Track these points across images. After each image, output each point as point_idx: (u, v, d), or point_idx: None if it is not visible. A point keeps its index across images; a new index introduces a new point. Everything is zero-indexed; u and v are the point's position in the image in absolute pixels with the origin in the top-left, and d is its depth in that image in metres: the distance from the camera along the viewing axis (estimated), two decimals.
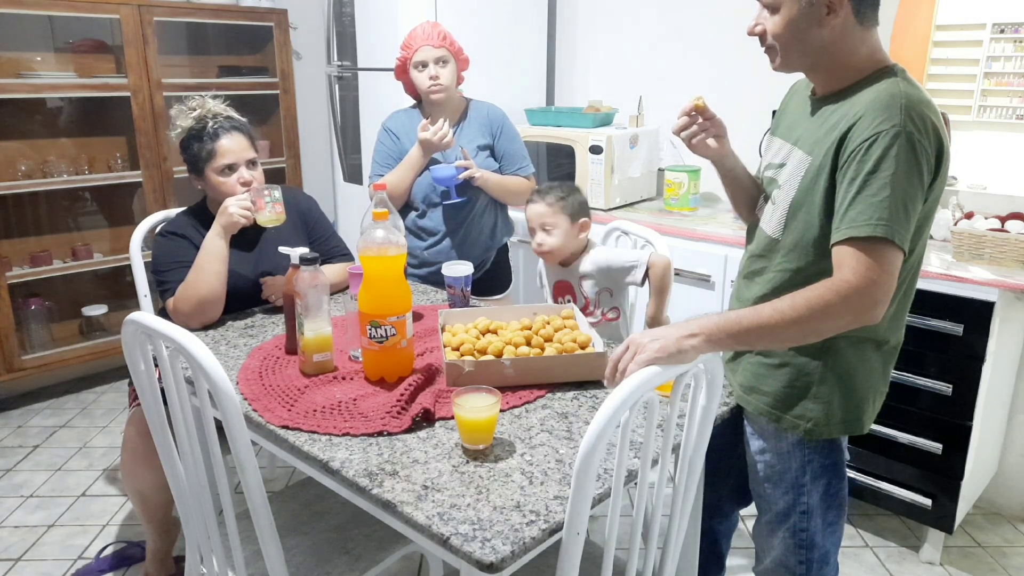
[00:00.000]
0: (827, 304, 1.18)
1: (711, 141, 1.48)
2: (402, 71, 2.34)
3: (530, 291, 3.10)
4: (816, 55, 1.29)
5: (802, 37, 1.27)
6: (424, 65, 2.25)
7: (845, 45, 1.27)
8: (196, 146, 1.92)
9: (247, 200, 1.88)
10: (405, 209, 2.38)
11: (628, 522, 1.29)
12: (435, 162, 2.30)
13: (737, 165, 1.54)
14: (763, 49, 1.35)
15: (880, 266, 1.17)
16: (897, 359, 1.42)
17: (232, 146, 1.92)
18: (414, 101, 2.45)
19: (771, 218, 1.39)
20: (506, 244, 2.54)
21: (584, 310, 2.06)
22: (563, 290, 2.14)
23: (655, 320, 1.98)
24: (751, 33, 1.34)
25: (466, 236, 2.37)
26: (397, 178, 2.29)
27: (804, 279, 1.29)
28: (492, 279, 2.49)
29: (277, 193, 1.91)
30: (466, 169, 2.25)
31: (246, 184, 1.93)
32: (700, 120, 1.47)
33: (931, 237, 1.35)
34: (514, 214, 2.67)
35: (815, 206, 1.29)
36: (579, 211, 2.03)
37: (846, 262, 1.19)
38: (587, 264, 2.04)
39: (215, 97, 2.00)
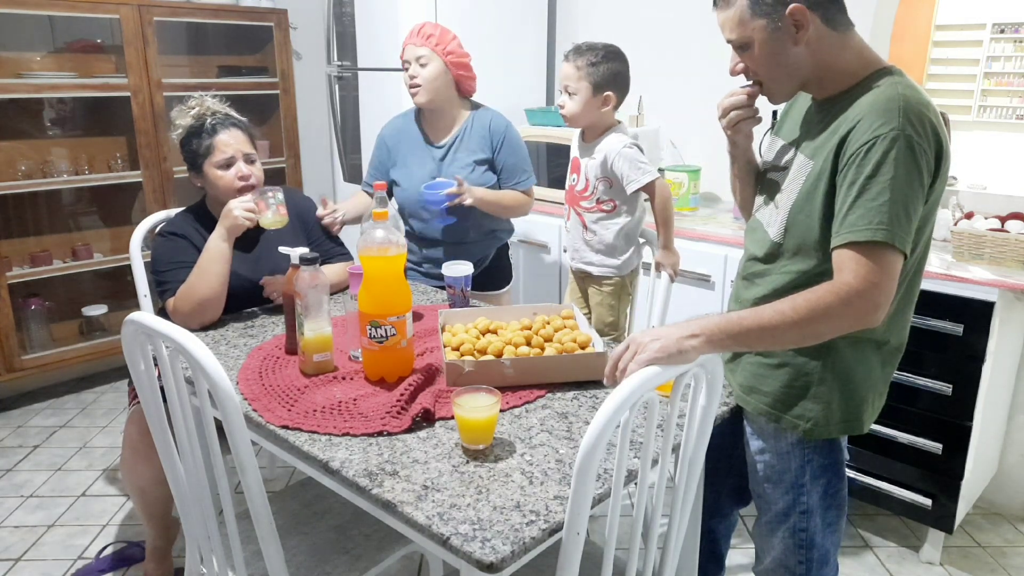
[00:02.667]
0: (828, 306, 1.18)
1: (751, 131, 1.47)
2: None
3: (530, 290, 3.11)
4: (801, 73, 1.31)
5: (782, 61, 1.29)
6: (408, 64, 2.19)
7: (826, 54, 1.28)
8: (195, 142, 1.93)
9: (250, 202, 1.88)
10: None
11: (628, 522, 1.29)
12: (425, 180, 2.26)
13: (754, 158, 1.54)
14: (754, 86, 1.36)
15: (881, 269, 1.17)
16: None
17: (230, 140, 1.93)
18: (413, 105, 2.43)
19: (772, 221, 1.39)
20: (506, 243, 2.53)
21: (583, 192, 2.10)
22: (575, 167, 2.16)
23: (667, 249, 2.10)
24: (734, 73, 1.36)
25: (462, 242, 2.34)
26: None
27: (804, 281, 1.29)
28: (491, 276, 2.46)
29: (280, 195, 1.91)
30: (457, 195, 2.15)
31: (244, 178, 1.93)
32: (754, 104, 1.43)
33: (932, 238, 1.36)
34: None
35: (815, 209, 1.29)
36: (606, 82, 2.00)
37: (847, 265, 1.19)
38: (600, 145, 2.05)
39: (214, 96, 2.01)
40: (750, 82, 1.37)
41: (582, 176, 2.13)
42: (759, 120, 1.46)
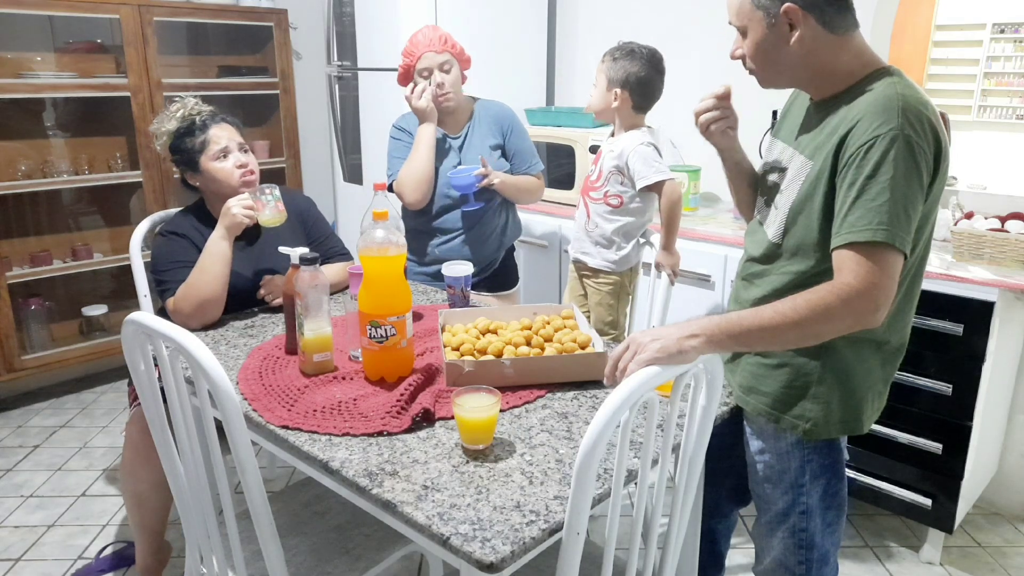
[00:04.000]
0: (828, 307, 1.18)
1: (729, 131, 1.48)
2: (405, 78, 2.29)
3: (530, 290, 3.11)
4: (793, 70, 1.31)
5: (773, 56, 1.29)
6: (429, 72, 2.21)
7: (821, 55, 1.28)
8: (188, 141, 1.94)
9: (248, 199, 1.89)
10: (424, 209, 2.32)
11: (628, 522, 1.29)
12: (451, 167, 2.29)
13: (744, 159, 1.55)
14: (747, 71, 1.36)
15: (881, 270, 1.17)
16: None
17: (222, 132, 1.96)
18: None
19: (772, 222, 1.39)
20: (513, 245, 2.53)
21: (594, 182, 2.17)
22: (596, 159, 2.24)
23: (667, 250, 2.11)
24: (734, 57, 1.36)
25: (478, 235, 2.36)
26: (423, 162, 2.23)
27: (803, 282, 1.29)
28: (504, 275, 2.49)
29: (276, 192, 1.93)
30: (485, 176, 2.22)
31: (242, 166, 1.95)
32: (724, 108, 1.45)
33: (932, 238, 1.36)
34: (522, 214, 2.66)
35: (815, 210, 1.29)
36: (617, 80, 2.07)
37: (847, 266, 1.19)
38: (619, 140, 2.13)
39: (196, 97, 2.03)
40: (747, 69, 1.36)
41: (598, 167, 2.19)
42: (732, 121, 1.47)
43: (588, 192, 2.23)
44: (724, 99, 1.45)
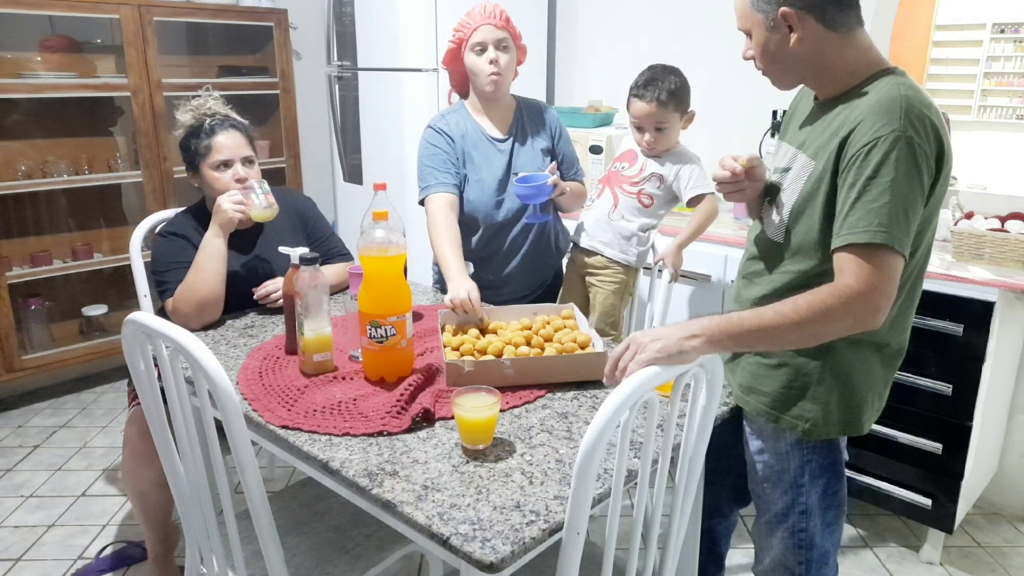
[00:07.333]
0: (829, 308, 1.18)
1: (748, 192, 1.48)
2: (454, 56, 2.01)
3: None
4: (799, 69, 1.31)
5: (777, 56, 1.30)
6: (483, 48, 1.92)
7: (825, 54, 1.28)
8: (193, 143, 1.93)
9: (239, 195, 1.88)
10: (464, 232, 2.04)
11: (628, 522, 1.29)
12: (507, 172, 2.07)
13: (760, 190, 1.49)
14: (759, 71, 1.37)
15: (881, 272, 1.17)
16: None
17: (228, 142, 1.93)
18: (442, 100, 2.33)
19: (774, 221, 1.39)
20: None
21: (632, 177, 2.18)
22: (627, 156, 2.23)
23: (678, 248, 2.15)
24: (746, 58, 1.37)
25: (534, 254, 2.15)
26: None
27: (804, 282, 1.29)
28: (552, 292, 2.32)
29: (266, 185, 1.91)
30: (555, 187, 1.97)
31: (240, 180, 1.93)
32: (743, 179, 1.43)
33: (933, 241, 1.36)
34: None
35: (816, 210, 1.29)
36: (687, 103, 2.14)
37: (847, 267, 1.19)
38: (671, 155, 2.15)
39: (217, 97, 2.00)
40: (758, 69, 1.36)
41: (636, 164, 2.18)
42: (747, 195, 1.46)
43: (620, 184, 2.19)
44: (739, 176, 1.42)
